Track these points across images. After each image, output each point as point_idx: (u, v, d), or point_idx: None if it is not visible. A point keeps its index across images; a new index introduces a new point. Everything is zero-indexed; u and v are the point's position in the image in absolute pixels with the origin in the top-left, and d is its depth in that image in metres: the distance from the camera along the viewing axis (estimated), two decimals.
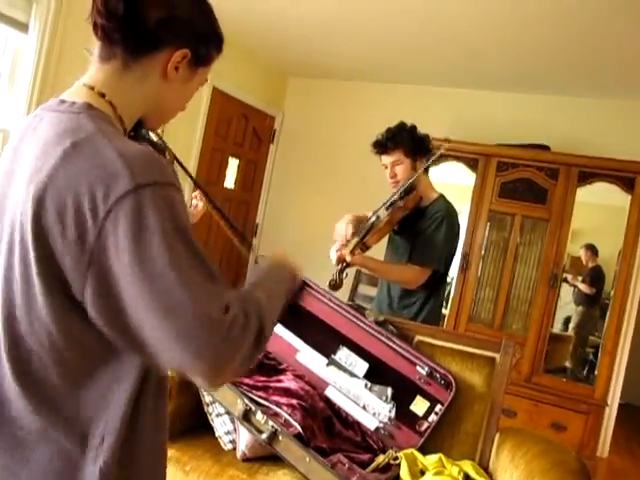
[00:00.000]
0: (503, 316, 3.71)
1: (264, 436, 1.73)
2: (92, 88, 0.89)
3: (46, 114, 0.87)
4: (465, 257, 3.74)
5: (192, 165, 4.43)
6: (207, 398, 2.00)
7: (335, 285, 2.20)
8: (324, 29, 3.79)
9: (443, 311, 3.28)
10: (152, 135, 1.07)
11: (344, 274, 2.24)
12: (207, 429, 2.00)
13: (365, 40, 3.82)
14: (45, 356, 0.82)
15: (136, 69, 0.90)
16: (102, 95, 0.88)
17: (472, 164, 3.78)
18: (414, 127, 2.47)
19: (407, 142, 2.40)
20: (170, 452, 1.89)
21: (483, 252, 3.77)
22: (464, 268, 3.75)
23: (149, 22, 0.87)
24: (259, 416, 1.78)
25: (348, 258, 2.22)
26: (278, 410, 1.84)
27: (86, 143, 0.78)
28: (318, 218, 4.95)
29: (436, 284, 2.43)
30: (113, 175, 0.74)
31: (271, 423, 1.74)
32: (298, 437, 1.74)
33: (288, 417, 1.82)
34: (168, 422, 0.97)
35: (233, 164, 4.99)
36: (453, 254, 2.49)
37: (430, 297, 2.43)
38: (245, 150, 5.07)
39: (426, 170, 2.52)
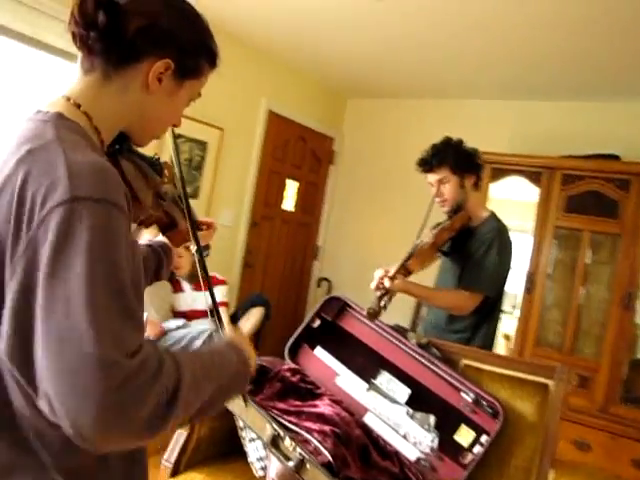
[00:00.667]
0: (573, 340, 3.42)
1: (291, 464, 1.63)
2: (69, 99, 0.87)
3: (22, 123, 0.85)
4: (530, 277, 3.51)
5: (249, 188, 4.47)
6: (241, 422, 1.94)
7: (373, 314, 2.06)
8: (381, 49, 3.75)
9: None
10: (138, 150, 1.04)
11: (382, 302, 2.09)
12: (241, 454, 1.93)
13: (422, 57, 3.75)
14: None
15: (117, 80, 0.88)
16: (78, 106, 0.86)
17: (535, 178, 3.57)
18: (460, 142, 2.33)
19: (453, 158, 2.27)
20: (200, 477, 1.85)
21: (549, 271, 3.52)
22: (529, 289, 3.52)
23: (129, 31, 0.85)
24: (287, 442, 1.69)
25: (387, 284, 2.09)
26: (308, 437, 1.75)
27: (40, 150, 0.76)
28: (380, 239, 4.85)
29: (488, 310, 2.26)
30: (54, 183, 0.71)
31: (299, 450, 1.65)
32: (327, 466, 1.64)
33: (318, 444, 1.71)
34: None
35: (292, 186, 4.99)
36: (506, 277, 2.32)
37: (482, 324, 2.27)
38: (304, 172, 5.06)
39: (476, 186, 2.38)
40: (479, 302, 2.21)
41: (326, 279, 5.30)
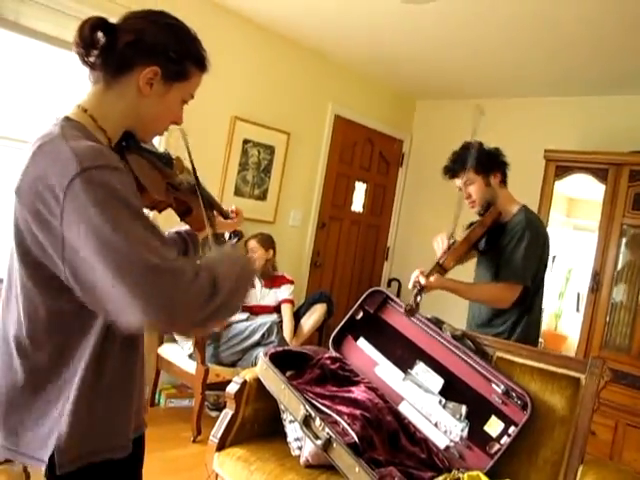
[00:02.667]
0: None
1: (319, 442, 1.74)
2: (79, 106, 1.07)
3: (43, 128, 1.05)
4: (595, 277, 3.40)
5: (316, 190, 4.61)
6: (282, 405, 2.07)
7: (410, 310, 2.12)
8: (446, 50, 3.78)
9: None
10: (150, 147, 1.20)
11: (419, 298, 2.15)
12: (282, 435, 2.06)
13: (489, 55, 3.74)
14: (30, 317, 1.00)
15: (116, 88, 1.06)
16: (85, 110, 1.05)
17: (601, 175, 3.44)
18: (480, 144, 2.37)
19: (474, 160, 2.32)
20: (241, 452, 1.99)
21: (616, 271, 3.39)
22: (594, 289, 3.40)
23: (120, 46, 1.03)
24: (317, 423, 1.79)
25: (422, 281, 2.15)
26: (338, 418, 1.85)
27: (48, 144, 0.96)
28: None
29: (528, 300, 2.26)
30: (65, 164, 0.90)
31: (327, 430, 1.75)
32: (353, 446, 1.73)
33: (346, 426, 1.81)
34: (137, 384, 1.11)
35: (360, 188, 5.09)
36: (544, 265, 2.30)
37: (523, 315, 2.26)
38: (372, 174, 5.14)
39: (503, 183, 2.40)
40: (518, 293, 2.21)
41: (396, 279, 5.34)
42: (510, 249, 2.23)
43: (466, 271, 2.48)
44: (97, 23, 1.02)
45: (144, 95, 1.06)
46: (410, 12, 3.15)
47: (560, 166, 3.59)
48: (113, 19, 1.06)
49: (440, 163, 5.01)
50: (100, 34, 1.02)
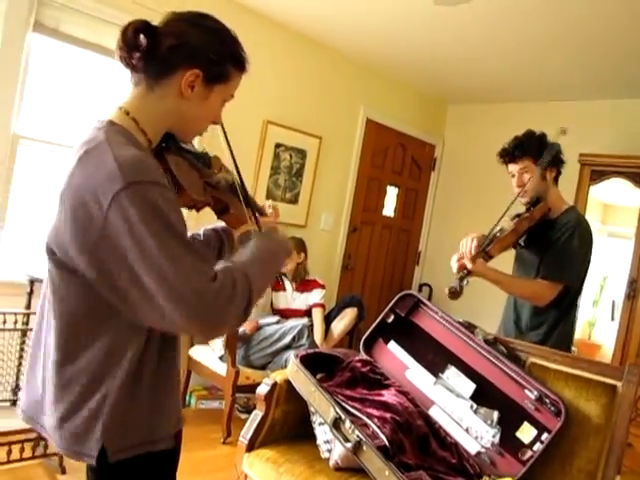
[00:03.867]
0: None
1: (349, 445, 1.74)
2: (121, 108, 1.08)
3: (87, 130, 1.07)
4: (632, 284, 3.32)
5: (348, 194, 4.62)
6: (312, 408, 2.07)
7: (455, 292, 2.09)
8: (480, 54, 3.75)
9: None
10: (189, 147, 1.22)
11: (464, 282, 2.13)
12: (311, 438, 2.06)
13: (523, 58, 3.69)
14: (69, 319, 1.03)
15: (157, 90, 1.08)
16: (127, 113, 1.07)
17: (638, 179, 3.37)
18: (544, 135, 2.32)
19: (536, 150, 2.27)
20: (270, 453, 2.00)
21: None
22: (631, 296, 3.32)
23: (162, 49, 1.05)
24: (347, 425, 1.79)
25: (469, 265, 2.11)
26: (368, 421, 1.84)
27: (94, 150, 0.98)
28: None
29: (568, 303, 2.21)
30: (110, 175, 0.93)
31: (357, 433, 1.75)
32: (383, 450, 1.72)
33: (376, 429, 1.80)
34: (176, 381, 1.14)
35: (392, 193, 5.07)
36: (586, 269, 2.25)
37: (561, 318, 2.22)
38: (404, 179, 5.13)
39: (555, 180, 2.35)
40: (557, 292, 2.17)
41: (427, 284, 5.30)
42: (559, 245, 2.18)
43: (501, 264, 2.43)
44: (140, 26, 1.04)
45: (185, 97, 1.08)
46: (442, 14, 3.14)
47: (595, 170, 3.52)
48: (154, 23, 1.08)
49: (473, 167, 5.02)
50: (142, 37, 1.04)
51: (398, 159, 5.03)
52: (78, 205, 0.94)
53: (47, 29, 2.97)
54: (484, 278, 2.18)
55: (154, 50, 1.05)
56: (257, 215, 1.37)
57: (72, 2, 2.99)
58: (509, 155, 2.32)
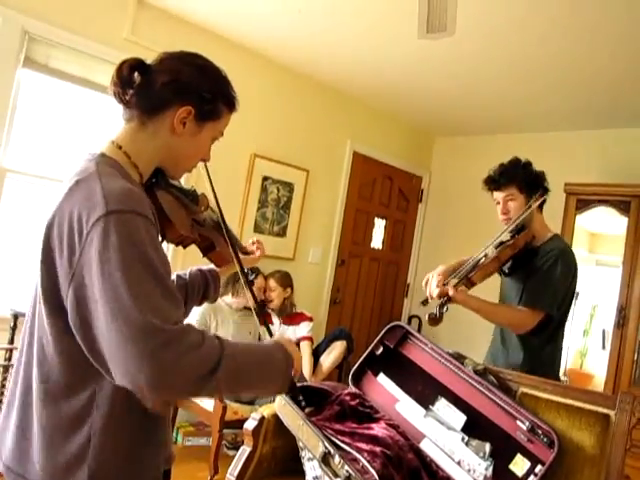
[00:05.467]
0: None
1: None
2: (113, 142, 1.09)
3: (79, 162, 1.07)
4: (621, 312, 3.32)
5: (336, 226, 4.62)
6: (300, 443, 2.03)
7: (435, 319, 2.09)
8: (464, 87, 3.83)
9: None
10: (178, 183, 1.23)
11: (444, 309, 2.14)
12: (301, 474, 2.01)
13: (506, 91, 3.78)
14: (51, 362, 0.99)
15: (150, 126, 1.09)
16: (119, 147, 1.08)
17: (623, 207, 3.41)
18: (529, 163, 2.35)
19: (521, 177, 2.29)
20: None
21: None
22: (621, 324, 3.32)
23: (156, 86, 1.07)
24: (337, 460, 1.75)
25: (451, 292, 2.11)
26: (357, 456, 1.80)
27: (84, 181, 0.98)
28: None
29: (552, 330, 2.21)
30: (94, 204, 0.92)
31: (347, 468, 1.71)
32: None
33: (366, 463, 1.76)
34: (164, 419, 1.08)
35: (380, 225, 5.09)
36: (571, 297, 2.26)
37: (545, 345, 2.21)
38: (392, 211, 5.15)
39: (540, 208, 2.36)
40: (539, 319, 2.17)
41: (416, 316, 5.28)
42: (541, 274, 2.19)
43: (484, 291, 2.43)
44: (135, 64, 1.07)
45: (177, 134, 1.09)
46: (427, 47, 3.20)
47: (581, 199, 3.57)
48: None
49: (460, 199, 5.06)
50: (137, 74, 1.06)
51: (385, 191, 5.06)
52: (64, 234, 0.93)
53: (37, 64, 3.00)
54: (465, 306, 2.18)
55: (148, 87, 1.07)
56: (240, 254, 1.38)
57: (62, 39, 3.02)
58: (494, 182, 2.34)
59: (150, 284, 0.88)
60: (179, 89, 1.08)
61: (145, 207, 0.97)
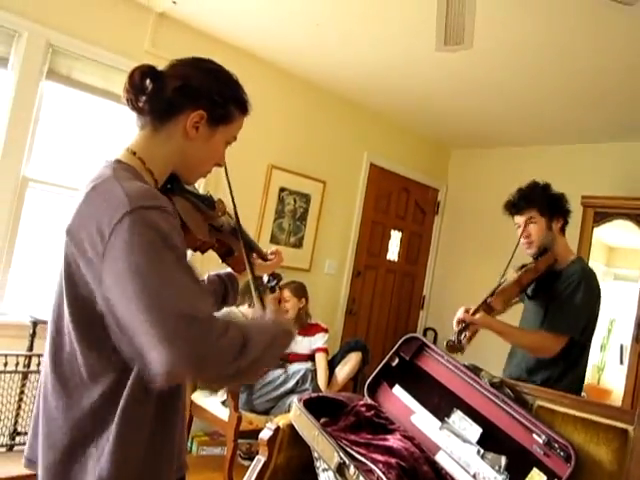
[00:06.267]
0: None
1: None
2: (128, 149, 1.11)
3: (95, 169, 1.09)
4: (639, 325, 3.28)
5: (352, 238, 4.63)
6: (315, 453, 2.03)
7: (452, 346, 2.11)
8: (481, 98, 3.83)
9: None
10: (193, 189, 1.24)
11: (462, 335, 2.14)
12: None
13: (524, 103, 3.78)
14: (71, 358, 1.01)
15: (163, 132, 1.10)
16: (134, 153, 1.10)
17: None
18: (548, 185, 2.34)
19: (541, 200, 2.28)
20: None
21: None
22: (639, 338, 3.28)
23: (168, 91, 1.08)
24: (352, 470, 1.75)
25: (466, 317, 2.13)
26: (373, 467, 1.79)
27: (101, 185, 1.00)
28: (485, 289, 4.73)
29: (575, 354, 2.18)
30: (117, 203, 0.93)
31: (362, 479, 1.70)
32: None
33: (381, 474, 1.75)
34: (178, 428, 1.09)
35: (396, 237, 5.09)
36: (594, 320, 2.23)
37: (568, 370, 2.18)
38: (408, 223, 5.15)
39: (562, 231, 2.35)
40: (563, 345, 2.15)
41: (432, 329, 5.26)
42: (564, 298, 2.17)
43: (510, 317, 2.43)
44: (146, 70, 1.08)
45: (190, 138, 1.10)
46: (444, 60, 3.22)
47: (598, 212, 3.55)
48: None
49: (476, 211, 5.04)
50: (148, 81, 1.08)
51: (402, 203, 5.07)
52: (86, 238, 0.94)
53: (60, 76, 3.06)
54: (488, 329, 2.17)
55: (160, 93, 1.08)
56: (255, 259, 1.38)
57: (85, 51, 3.09)
58: (515, 207, 2.34)
59: (180, 274, 0.91)
60: (190, 94, 1.09)
61: (167, 203, 0.99)
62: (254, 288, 1.32)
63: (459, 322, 2.17)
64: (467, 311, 2.17)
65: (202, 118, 1.10)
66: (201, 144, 1.12)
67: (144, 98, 1.08)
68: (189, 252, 1.12)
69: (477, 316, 2.14)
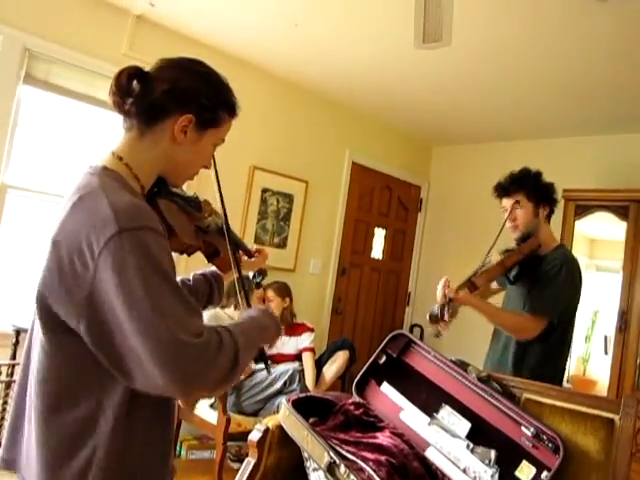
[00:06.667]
0: None
1: None
2: (114, 153, 1.08)
3: (80, 176, 1.07)
4: (623, 316, 3.33)
5: (336, 237, 4.63)
6: (305, 453, 2.02)
7: (433, 318, 2.15)
8: (462, 94, 3.85)
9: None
10: (180, 191, 1.23)
11: (445, 309, 2.16)
12: None
13: (504, 99, 3.81)
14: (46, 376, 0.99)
15: (150, 135, 1.08)
16: (120, 158, 1.07)
17: (622, 212, 3.43)
18: (539, 173, 2.37)
19: (531, 186, 2.31)
20: None
21: None
22: (622, 329, 3.32)
23: (155, 94, 1.05)
24: (342, 470, 1.74)
25: (451, 295, 2.15)
26: (363, 465, 1.79)
27: (88, 196, 0.97)
28: None
29: (556, 339, 2.21)
30: (104, 221, 0.91)
31: (352, 477, 1.70)
32: None
33: (372, 473, 1.75)
34: (168, 437, 1.06)
35: (379, 234, 5.10)
36: (575, 305, 2.26)
37: (549, 353, 2.21)
38: (391, 220, 5.17)
39: (548, 219, 2.38)
40: (543, 327, 2.17)
41: (418, 325, 5.28)
42: (544, 281, 2.20)
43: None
44: (133, 72, 1.05)
45: (178, 142, 1.08)
46: (423, 57, 3.23)
47: (580, 205, 3.59)
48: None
49: (459, 207, 5.07)
50: (136, 83, 1.05)
51: (384, 201, 5.08)
52: (72, 252, 0.92)
53: (37, 81, 3.02)
54: (469, 305, 2.20)
55: (147, 95, 1.05)
56: (241, 257, 1.38)
57: (62, 55, 3.05)
58: (504, 189, 2.36)
59: (172, 299, 0.90)
60: (179, 97, 1.06)
61: (155, 221, 0.97)
62: (240, 288, 1.32)
63: (443, 296, 2.19)
64: (448, 283, 2.19)
65: (190, 122, 1.07)
66: (189, 148, 1.10)
67: (130, 100, 1.05)
68: (175, 255, 1.10)
69: (461, 294, 2.16)
